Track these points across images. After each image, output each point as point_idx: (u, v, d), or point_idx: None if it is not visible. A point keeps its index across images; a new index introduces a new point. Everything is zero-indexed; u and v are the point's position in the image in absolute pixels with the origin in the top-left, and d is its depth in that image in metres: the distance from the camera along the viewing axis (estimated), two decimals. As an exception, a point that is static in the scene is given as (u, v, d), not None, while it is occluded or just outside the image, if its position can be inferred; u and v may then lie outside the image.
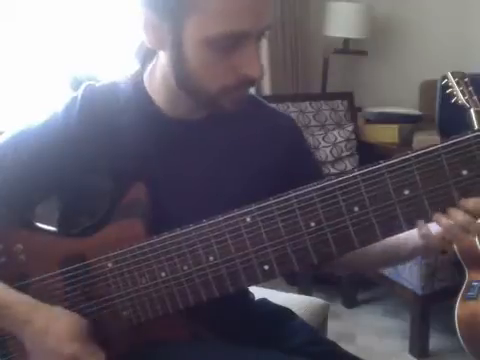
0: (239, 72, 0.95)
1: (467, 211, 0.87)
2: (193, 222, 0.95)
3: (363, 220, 0.89)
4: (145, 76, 1.08)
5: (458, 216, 0.87)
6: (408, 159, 0.86)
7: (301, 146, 1.19)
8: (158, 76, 1.05)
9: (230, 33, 0.92)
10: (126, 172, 1.03)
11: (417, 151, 0.86)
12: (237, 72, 0.95)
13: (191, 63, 0.96)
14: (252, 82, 0.99)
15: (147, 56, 1.07)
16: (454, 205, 0.87)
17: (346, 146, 2.96)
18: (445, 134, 2.72)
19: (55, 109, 1.07)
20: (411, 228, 0.89)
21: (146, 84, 1.07)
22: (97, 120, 1.05)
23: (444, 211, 0.88)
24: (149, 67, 1.07)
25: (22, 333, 0.98)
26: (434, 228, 0.91)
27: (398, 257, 1.08)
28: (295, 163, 1.14)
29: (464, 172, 0.85)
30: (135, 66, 1.09)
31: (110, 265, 0.99)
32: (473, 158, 0.84)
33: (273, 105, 1.22)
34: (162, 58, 1.01)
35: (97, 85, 1.10)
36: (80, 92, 1.08)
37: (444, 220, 0.88)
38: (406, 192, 0.87)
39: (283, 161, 1.12)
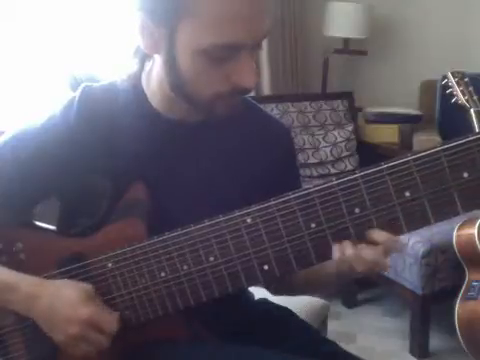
0: (232, 81, 0.95)
1: (374, 242, 0.89)
2: (190, 222, 0.95)
3: (364, 221, 0.89)
4: (143, 76, 1.08)
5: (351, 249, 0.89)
6: (409, 161, 0.86)
7: (290, 157, 1.18)
8: (154, 79, 1.05)
9: (224, 44, 0.91)
10: (125, 172, 1.03)
11: (418, 153, 0.86)
12: (231, 81, 0.95)
13: (184, 70, 0.96)
14: (246, 91, 0.99)
15: (145, 56, 1.06)
16: (455, 206, 0.86)
17: (346, 146, 2.96)
18: (445, 134, 2.72)
19: (53, 110, 1.08)
20: (411, 230, 0.89)
21: (144, 85, 1.07)
22: (95, 121, 1.05)
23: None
24: (147, 67, 1.07)
25: (31, 310, 0.99)
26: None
27: (320, 282, 1.10)
28: (281, 171, 1.13)
29: (465, 174, 0.85)
30: (134, 66, 1.08)
31: (110, 265, 1.00)
32: (474, 160, 0.84)
33: (272, 105, 1.22)
34: (157, 62, 1.01)
35: (95, 86, 1.10)
36: (77, 93, 1.08)
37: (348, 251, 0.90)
38: (407, 194, 0.87)
39: (273, 167, 1.12)
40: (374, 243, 0.90)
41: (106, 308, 0.99)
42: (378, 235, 0.89)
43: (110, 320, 0.97)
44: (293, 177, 1.18)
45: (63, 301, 0.97)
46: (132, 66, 1.08)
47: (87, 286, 0.99)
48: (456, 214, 0.87)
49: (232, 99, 0.99)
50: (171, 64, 0.97)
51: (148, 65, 1.07)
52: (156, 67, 1.03)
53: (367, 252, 0.89)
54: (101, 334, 0.97)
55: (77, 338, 0.96)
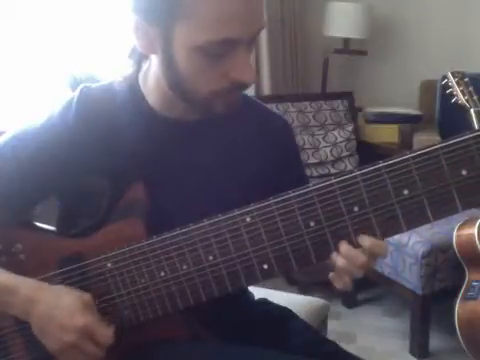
0: (231, 77, 0.95)
1: (363, 249, 0.89)
2: (190, 221, 0.95)
3: (363, 220, 0.89)
4: (140, 77, 1.08)
5: (349, 252, 0.89)
6: (407, 159, 0.86)
7: (291, 152, 1.19)
8: (152, 78, 1.05)
9: (221, 41, 0.91)
10: (124, 172, 1.03)
11: (416, 151, 0.85)
12: (229, 77, 0.95)
13: (182, 69, 0.95)
14: (244, 87, 0.98)
15: (142, 57, 1.07)
16: (454, 204, 0.86)
17: (346, 146, 2.97)
18: (445, 134, 2.72)
19: (52, 111, 1.08)
20: (410, 228, 0.89)
21: (141, 85, 1.07)
22: (94, 121, 1.06)
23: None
24: (143, 68, 1.07)
25: (29, 314, 0.99)
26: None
27: None
28: (283, 167, 1.13)
29: (463, 172, 0.84)
30: (129, 67, 1.08)
31: (109, 265, 1.00)
32: (472, 158, 0.84)
33: (272, 105, 1.22)
34: (154, 61, 1.01)
35: (93, 86, 1.10)
36: (76, 94, 1.08)
37: (340, 258, 0.90)
38: (405, 192, 0.87)
39: (275, 163, 1.12)
40: (359, 247, 0.90)
41: (103, 319, 0.98)
42: (362, 239, 0.89)
43: (105, 332, 0.97)
44: (296, 173, 1.18)
45: (61, 308, 0.97)
46: (128, 68, 1.08)
47: (86, 295, 0.99)
48: (455, 212, 0.87)
49: (230, 96, 0.99)
50: (168, 62, 0.97)
51: (145, 66, 1.07)
52: (153, 67, 1.03)
53: (354, 255, 0.89)
54: (96, 346, 0.96)
55: (72, 347, 0.96)
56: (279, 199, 0.91)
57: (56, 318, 0.96)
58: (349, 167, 2.94)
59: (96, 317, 0.97)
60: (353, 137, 3.00)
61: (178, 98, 1.01)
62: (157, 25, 0.94)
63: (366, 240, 0.89)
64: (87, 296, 0.99)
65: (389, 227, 0.89)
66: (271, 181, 1.08)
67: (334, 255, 0.90)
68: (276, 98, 2.99)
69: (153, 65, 1.03)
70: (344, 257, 0.90)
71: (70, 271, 1.02)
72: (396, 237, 2.21)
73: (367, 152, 2.94)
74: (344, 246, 0.90)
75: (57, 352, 0.98)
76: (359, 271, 0.91)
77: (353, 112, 3.15)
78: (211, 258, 0.94)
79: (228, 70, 0.95)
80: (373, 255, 0.90)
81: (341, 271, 0.91)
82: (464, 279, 2.15)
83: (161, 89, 1.03)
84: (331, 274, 0.93)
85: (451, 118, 2.33)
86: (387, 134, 3.01)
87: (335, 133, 2.98)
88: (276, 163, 1.12)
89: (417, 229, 0.91)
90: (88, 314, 0.96)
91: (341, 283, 0.93)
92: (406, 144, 2.93)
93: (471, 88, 2.22)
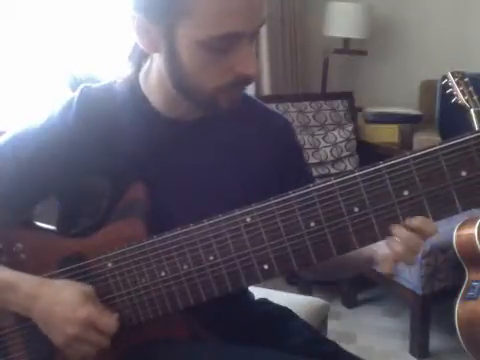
0: (235, 71, 0.95)
1: (413, 230, 0.88)
2: (190, 221, 0.95)
3: (363, 220, 0.89)
4: (140, 77, 1.08)
5: (402, 234, 0.88)
6: (407, 160, 0.86)
7: (293, 151, 1.18)
8: (153, 77, 1.05)
9: (223, 35, 0.91)
10: (124, 171, 1.03)
11: (416, 152, 0.86)
12: (233, 71, 0.95)
13: (186, 65, 0.95)
14: (249, 80, 0.99)
15: (142, 57, 1.07)
16: (454, 204, 0.86)
17: (346, 146, 2.96)
18: (445, 134, 2.72)
19: (52, 111, 1.08)
20: (411, 229, 0.89)
21: (141, 85, 1.07)
22: (94, 121, 1.06)
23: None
24: (144, 68, 1.07)
25: (31, 310, 1.00)
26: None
27: (352, 264, 1.08)
28: (285, 166, 1.13)
29: (463, 173, 0.85)
30: (128, 69, 1.08)
31: (110, 265, 1.00)
32: (472, 159, 0.84)
33: (272, 105, 1.22)
34: (157, 60, 1.01)
35: (93, 87, 1.10)
36: (76, 94, 1.08)
37: (395, 244, 0.89)
38: (405, 193, 0.87)
39: (277, 162, 1.12)
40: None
41: (105, 309, 0.98)
42: (410, 221, 0.88)
43: (109, 320, 0.97)
44: (299, 172, 1.17)
45: (62, 302, 0.97)
46: (127, 69, 1.08)
47: (86, 287, 0.99)
48: (455, 213, 0.87)
49: (234, 91, 0.99)
50: (171, 60, 0.97)
51: (145, 66, 1.07)
52: (154, 65, 1.03)
53: (410, 237, 0.88)
54: (101, 334, 0.97)
55: (76, 339, 0.96)
56: (279, 199, 0.91)
57: (58, 312, 0.97)
58: (349, 167, 2.94)
59: (98, 307, 0.98)
60: (353, 137, 3.00)
61: (181, 96, 1.01)
62: (158, 23, 0.94)
63: (415, 220, 0.87)
64: (88, 288, 0.99)
65: (389, 228, 0.89)
66: (274, 181, 1.08)
67: (387, 241, 0.89)
68: (276, 98, 2.99)
69: (155, 64, 1.03)
70: (400, 239, 0.88)
71: (70, 271, 1.02)
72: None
73: (367, 152, 2.94)
74: (397, 229, 0.88)
75: (62, 345, 0.98)
76: (413, 255, 0.90)
77: (353, 112, 3.15)
78: (211, 258, 0.94)
79: (232, 64, 0.95)
80: (423, 234, 0.89)
81: (396, 256, 0.90)
82: (464, 279, 2.15)
83: (163, 88, 1.03)
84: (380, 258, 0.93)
85: (451, 118, 2.33)
86: (387, 134, 3.01)
87: (335, 133, 2.98)
88: (278, 162, 1.12)
89: (417, 229, 0.91)
90: (90, 305, 0.97)
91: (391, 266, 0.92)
92: (406, 144, 2.93)
93: (471, 88, 2.22)
